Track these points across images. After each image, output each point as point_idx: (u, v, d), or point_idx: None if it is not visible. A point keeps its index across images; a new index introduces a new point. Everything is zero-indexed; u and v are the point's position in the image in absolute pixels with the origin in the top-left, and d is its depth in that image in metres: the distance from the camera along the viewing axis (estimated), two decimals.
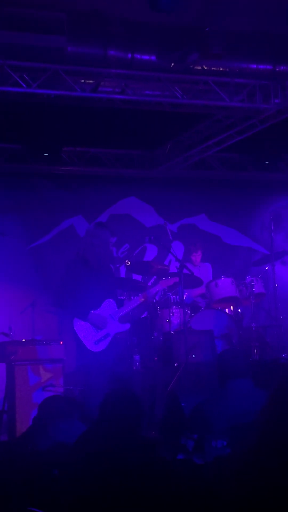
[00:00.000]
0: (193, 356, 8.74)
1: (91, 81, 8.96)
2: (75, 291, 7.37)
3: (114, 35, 8.45)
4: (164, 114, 9.93)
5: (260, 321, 10.70)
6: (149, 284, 10.39)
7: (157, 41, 8.64)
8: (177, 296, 9.52)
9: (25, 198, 11.49)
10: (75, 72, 8.78)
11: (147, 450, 3.49)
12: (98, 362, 7.34)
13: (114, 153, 12.07)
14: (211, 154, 11.76)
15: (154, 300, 9.93)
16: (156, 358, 9.20)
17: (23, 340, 8.89)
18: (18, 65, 8.47)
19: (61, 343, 8.66)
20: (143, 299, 7.86)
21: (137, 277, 10.89)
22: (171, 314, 9.34)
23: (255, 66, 9.11)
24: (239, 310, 10.01)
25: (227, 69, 9.10)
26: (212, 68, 9.05)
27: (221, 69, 9.08)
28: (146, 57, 8.69)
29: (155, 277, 8.87)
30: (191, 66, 8.92)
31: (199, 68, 8.99)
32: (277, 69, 9.20)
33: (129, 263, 9.59)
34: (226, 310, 9.83)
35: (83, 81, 8.95)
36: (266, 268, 10.61)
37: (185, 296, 9.16)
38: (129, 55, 8.57)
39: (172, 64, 8.80)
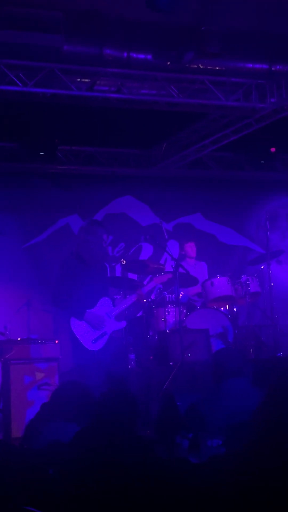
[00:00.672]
0: (189, 355, 8.74)
1: (87, 80, 8.96)
2: (71, 290, 7.37)
3: (110, 34, 8.45)
4: (160, 113, 9.93)
5: (255, 320, 10.71)
6: (145, 282, 10.39)
7: (153, 40, 8.64)
8: (173, 295, 9.52)
9: (20, 197, 11.48)
10: (71, 71, 8.78)
11: (143, 449, 3.49)
12: (95, 361, 7.34)
13: (110, 152, 12.07)
14: (207, 153, 11.76)
15: (149, 299, 9.93)
16: (151, 357, 9.20)
17: (19, 339, 8.89)
18: (14, 63, 8.46)
19: (56, 342, 8.66)
20: (137, 297, 7.86)
21: (132, 276, 10.88)
22: (167, 313, 9.34)
23: (251, 65, 9.12)
24: (235, 309, 10.01)
25: (223, 68, 9.10)
26: (208, 67, 9.05)
27: (217, 68, 9.08)
28: (142, 56, 8.69)
29: (150, 276, 8.88)
30: (187, 65, 8.92)
31: (195, 67, 9.00)
32: (273, 69, 9.21)
33: (124, 262, 9.58)
34: (222, 309, 9.83)
35: (79, 80, 8.95)
36: (262, 267, 10.62)
37: (180, 295, 9.17)
38: (125, 54, 8.57)
39: (168, 63, 8.80)
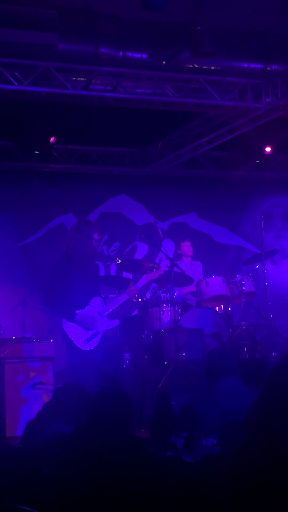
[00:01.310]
0: (183, 354, 8.74)
1: (82, 79, 8.94)
2: (62, 290, 7.35)
3: (106, 32, 8.44)
4: (155, 112, 9.93)
5: (250, 320, 10.72)
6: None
7: (148, 39, 8.63)
8: (168, 295, 9.53)
9: (15, 196, 11.47)
10: (66, 70, 8.76)
11: (137, 448, 3.49)
12: (88, 361, 7.33)
13: (105, 151, 12.06)
14: (202, 153, 11.77)
15: (144, 298, 9.93)
16: (146, 357, 9.20)
17: (13, 338, 8.89)
18: (9, 62, 8.44)
19: (51, 341, 8.66)
20: (129, 295, 7.85)
21: (127, 275, 10.88)
22: (162, 313, 9.35)
23: (246, 65, 9.12)
24: (229, 309, 10.02)
25: (219, 68, 9.10)
26: (204, 67, 9.05)
27: (213, 67, 9.08)
28: (137, 55, 8.68)
29: (144, 275, 8.89)
30: (183, 65, 8.92)
31: (191, 66, 8.99)
32: (269, 68, 9.21)
33: (119, 261, 9.59)
34: (217, 308, 9.84)
35: (74, 78, 8.94)
36: (257, 267, 10.63)
37: (175, 294, 9.17)
38: (121, 53, 8.56)
39: (164, 62, 8.80)
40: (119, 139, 11.55)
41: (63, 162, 11.72)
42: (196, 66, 9.02)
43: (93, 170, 11.96)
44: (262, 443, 2.43)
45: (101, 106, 9.53)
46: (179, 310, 9.41)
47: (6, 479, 3.45)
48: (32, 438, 4.57)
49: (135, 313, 10.26)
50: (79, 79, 8.96)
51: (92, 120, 10.21)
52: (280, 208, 12.97)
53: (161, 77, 9.10)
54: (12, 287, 11.12)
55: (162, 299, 9.56)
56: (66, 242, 7.63)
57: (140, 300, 9.76)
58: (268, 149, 11.33)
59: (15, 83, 8.60)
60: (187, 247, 10.71)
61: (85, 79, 8.93)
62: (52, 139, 10.41)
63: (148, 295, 11.32)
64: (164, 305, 9.42)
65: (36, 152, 10.86)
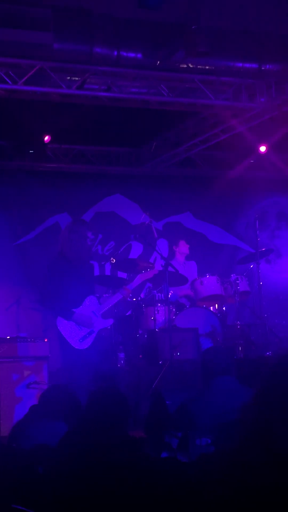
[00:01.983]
0: (178, 354, 8.75)
1: (77, 78, 8.94)
2: (57, 290, 7.36)
3: (100, 32, 8.43)
4: (150, 112, 9.92)
5: (244, 319, 10.73)
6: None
7: (143, 39, 8.63)
8: (162, 294, 9.53)
9: (10, 195, 11.45)
10: (61, 69, 8.76)
11: (132, 448, 3.49)
12: (83, 360, 7.33)
13: (100, 150, 12.06)
14: (196, 152, 11.77)
15: (139, 298, 9.93)
16: (140, 356, 9.21)
17: (8, 337, 8.87)
18: (4, 61, 8.43)
19: (45, 340, 8.65)
20: (124, 294, 7.86)
21: (122, 274, 10.89)
22: (156, 312, 9.35)
23: (241, 64, 9.12)
24: (224, 308, 10.03)
25: (213, 68, 9.10)
26: (198, 66, 9.05)
27: (207, 67, 9.08)
28: (132, 54, 8.68)
29: (139, 274, 8.89)
30: (177, 64, 8.92)
31: (185, 66, 8.99)
32: (263, 68, 9.22)
33: (114, 260, 9.58)
34: (211, 308, 9.85)
35: (69, 78, 8.93)
36: (251, 266, 10.64)
37: (170, 294, 9.17)
38: (115, 53, 8.56)
39: (158, 62, 8.80)
40: (113, 138, 11.55)
41: (58, 162, 11.71)
42: (191, 66, 9.03)
43: (87, 170, 11.95)
44: (257, 443, 2.43)
45: (96, 106, 9.53)
46: (173, 309, 9.42)
47: (1, 478, 3.45)
48: (20, 437, 4.57)
49: (129, 312, 10.26)
50: (73, 78, 8.95)
51: (87, 120, 10.20)
52: (274, 208, 12.99)
53: (155, 76, 9.10)
54: (6, 286, 11.11)
55: (157, 299, 9.57)
56: (61, 242, 7.63)
57: (134, 299, 9.76)
58: (262, 149, 11.34)
59: (10, 82, 8.59)
60: (184, 246, 10.72)
61: (79, 78, 8.92)
62: (46, 138, 10.41)
63: (142, 295, 11.33)
64: (159, 304, 9.42)
65: (30, 151, 10.85)
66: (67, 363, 7.50)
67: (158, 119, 10.54)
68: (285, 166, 12.51)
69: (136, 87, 9.23)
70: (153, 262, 11.22)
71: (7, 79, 8.56)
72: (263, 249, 10.76)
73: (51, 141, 10.69)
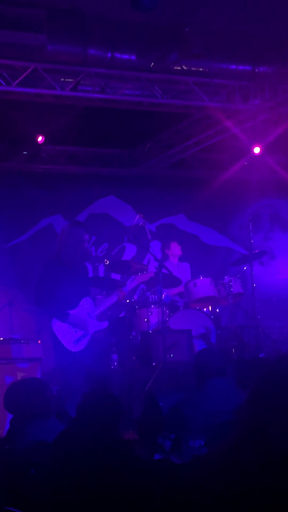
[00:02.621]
0: (171, 355, 8.74)
1: (71, 80, 8.94)
2: (53, 291, 7.36)
3: (94, 33, 8.44)
4: (144, 113, 9.93)
5: (238, 321, 10.73)
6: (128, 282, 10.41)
7: (137, 40, 8.64)
8: (156, 296, 9.53)
9: (3, 197, 11.43)
10: (55, 71, 8.76)
11: (125, 449, 3.49)
12: (77, 362, 7.32)
13: (93, 152, 12.05)
14: (190, 154, 11.78)
15: (132, 300, 9.93)
16: (134, 358, 9.20)
17: (1, 339, 8.85)
18: None
19: (39, 342, 8.64)
20: (119, 296, 7.86)
21: (116, 276, 10.88)
22: (150, 314, 9.34)
23: (234, 66, 9.14)
24: (217, 310, 10.03)
25: (207, 69, 9.11)
26: (192, 68, 9.07)
27: (201, 69, 9.10)
28: (126, 56, 8.69)
29: (133, 276, 8.89)
30: (171, 66, 8.93)
31: (179, 68, 9.01)
32: (257, 70, 9.24)
33: (107, 262, 9.58)
34: (205, 310, 9.85)
35: (63, 79, 8.93)
36: (245, 268, 10.64)
37: (163, 295, 9.17)
38: (109, 54, 8.56)
39: (152, 63, 8.81)
40: (107, 140, 11.55)
41: (52, 163, 11.70)
42: (185, 68, 9.04)
43: (81, 171, 11.95)
44: (251, 444, 2.43)
45: (90, 107, 9.53)
46: (167, 311, 9.41)
47: None
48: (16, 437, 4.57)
49: (123, 314, 10.25)
50: (67, 80, 8.95)
51: (81, 121, 10.20)
52: (268, 210, 13.00)
53: (149, 78, 9.10)
54: None
55: (150, 300, 9.56)
56: (58, 245, 7.62)
57: (128, 301, 9.75)
58: (256, 150, 11.34)
59: (4, 83, 8.58)
60: (176, 247, 10.72)
61: (73, 79, 8.92)
62: (40, 139, 10.40)
63: (136, 296, 11.32)
64: (152, 306, 9.42)
65: (24, 152, 10.84)
66: (61, 365, 7.49)
67: (152, 121, 10.54)
68: (278, 168, 12.54)
69: (130, 89, 9.23)
70: (147, 263, 11.21)
71: (1, 81, 8.55)
72: (257, 251, 10.77)
73: (45, 143, 10.68)
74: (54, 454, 3.58)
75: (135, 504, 3.11)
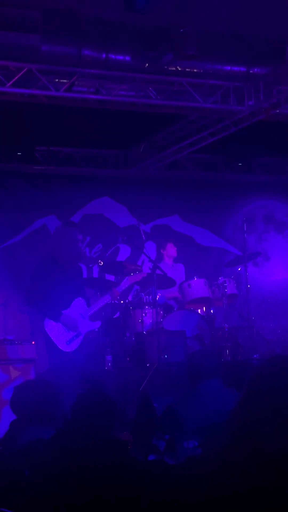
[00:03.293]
0: (165, 356, 8.74)
1: (65, 81, 8.93)
2: (45, 291, 7.36)
3: (89, 34, 8.44)
4: (138, 114, 9.93)
5: (232, 322, 10.73)
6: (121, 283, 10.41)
7: (131, 42, 8.64)
8: (150, 297, 9.53)
9: None
10: (49, 71, 8.75)
11: (119, 450, 3.49)
12: (70, 362, 7.33)
13: (87, 153, 12.05)
14: (185, 155, 11.78)
15: (126, 300, 9.93)
16: (128, 359, 9.20)
17: None
18: None
19: (33, 342, 8.63)
20: (112, 297, 7.86)
21: (110, 277, 10.87)
22: (144, 315, 9.34)
23: (229, 68, 9.15)
24: (212, 311, 10.03)
25: (201, 70, 9.12)
26: (186, 69, 9.07)
27: (195, 70, 9.10)
28: (120, 57, 8.68)
29: (127, 277, 8.90)
30: (166, 67, 8.93)
31: (174, 69, 9.01)
32: (251, 71, 9.25)
33: (102, 263, 9.58)
34: (199, 310, 9.85)
35: (57, 80, 8.92)
36: (239, 269, 10.65)
37: (158, 296, 9.17)
38: (104, 55, 8.56)
39: (147, 64, 8.81)
40: (102, 141, 11.54)
41: (46, 164, 11.69)
42: (179, 69, 9.04)
43: (75, 172, 11.93)
44: (245, 445, 2.44)
45: (84, 108, 9.52)
46: (161, 312, 9.41)
47: None
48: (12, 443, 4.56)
49: (117, 315, 10.25)
50: (62, 80, 8.94)
51: (75, 122, 10.19)
52: (262, 211, 13.01)
53: (144, 79, 9.11)
54: None
55: (145, 301, 9.56)
56: (52, 245, 7.63)
57: (122, 302, 9.75)
58: (249, 150, 11.33)
59: None
60: (171, 248, 10.73)
61: (68, 80, 8.92)
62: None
63: (130, 297, 11.31)
64: (146, 307, 9.41)
65: (18, 153, 10.83)
66: (54, 365, 7.50)
67: (146, 122, 10.54)
68: (273, 169, 12.55)
69: (124, 90, 9.24)
70: (141, 264, 11.21)
71: None
72: (251, 252, 10.78)
73: (39, 144, 10.67)
74: (48, 455, 3.57)
75: (130, 505, 3.11)
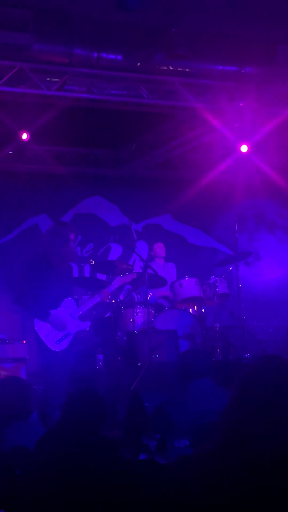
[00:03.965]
0: (157, 356, 8.75)
1: (57, 80, 8.91)
2: (35, 290, 7.36)
3: (80, 34, 8.42)
4: (130, 114, 9.92)
5: (223, 321, 10.74)
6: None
7: (123, 41, 8.62)
8: (141, 296, 9.53)
9: None
10: (41, 70, 8.72)
11: (109, 450, 3.48)
12: (60, 362, 7.32)
13: (79, 152, 12.03)
14: (176, 154, 11.78)
15: (118, 300, 9.92)
16: (119, 358, 9.19)
17: None
18: None
19: (24, 342, 8.63)
20: (102, 297, 7.87)
21: (101, 276, 10.87)
22: (135, 314, 9.35)
23: (221, 67, 9.14)
24: (203, 310, 10.04)
25: (193, 70, 9.12)
26: (178, 69, 9.06)
27: (187, 69, 9.09)
28: (112, 56, 8.67)
29: (118, 277, 8.90)
30: (157, 66, 8.93)
31: (165, 68, 9.00)
32: (243, 71, 9.25)
33: (93, 262, 9.57)
34: (190, 310, 9.86)
35: (49, 79, 8.90)
36: (230, 268, 10.66)
37: (149, 296, 9.17)
38: (95, 54, 8.55)
39: (138, 64, 8.80)
40: (93, 140, 11.53)
41: (37, 163, 11.66)
42: (171, 68, 9.03)
43: (67, 171, 11.91)
44: (236, 445, 2.44)
45: (75, 107, 9.50)
46: (152, 311, 9.41)
47: None
48: None
49: (108, 314, 10.25)
50: (53, 79, 8.92)
51: (66, 121, 10.17)
52: (253, 211, 13.03)
53: (135, 78, 9.09)
54: None
55: (136, 301, 9.56)
56: (43, 245, 7.62)
57: (113, 301, 9.75)
58: (244, 148, 11.28)
59: None
60: (159, 248, 10.73)
61: (59, 79, 8.90)
62: (24, 136, 10.30)
63: (121, 297, 11.32)
64: (138, 306, 9.42)
65: (9, 152, 10.80)
66: (44, 364, 7.49)
67: (138, 121, 10.53)
68: (264, 169, 12.55)
69: (116, 89, 9.22)
70: (133, 264, 11.22)
71: None
72: (242, 251, 10.79)
73: (30, 142, 10.63)
74: (38, 455, 3.57)
75: (120, 504, 3.11)
